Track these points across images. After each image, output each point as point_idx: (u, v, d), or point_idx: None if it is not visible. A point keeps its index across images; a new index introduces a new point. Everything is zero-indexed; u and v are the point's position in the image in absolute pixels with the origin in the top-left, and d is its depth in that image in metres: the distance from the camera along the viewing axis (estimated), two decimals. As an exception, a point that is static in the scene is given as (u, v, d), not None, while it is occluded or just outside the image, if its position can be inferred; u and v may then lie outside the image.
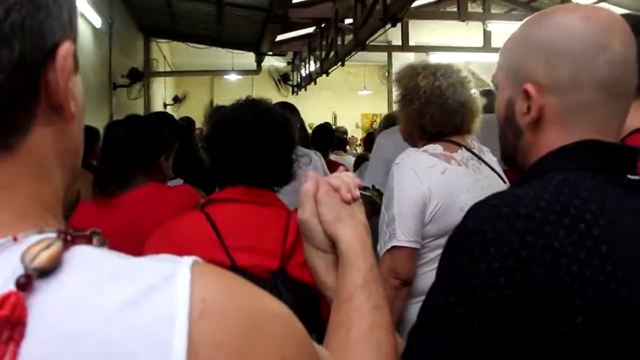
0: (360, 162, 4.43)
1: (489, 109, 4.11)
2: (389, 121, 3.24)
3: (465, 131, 1.82)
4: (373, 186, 2.45)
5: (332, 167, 3.99)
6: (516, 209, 0.73)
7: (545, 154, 0.83)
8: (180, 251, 1.39)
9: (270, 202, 1.47)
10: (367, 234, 0.82)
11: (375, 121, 17.71)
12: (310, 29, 9.13)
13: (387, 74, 13.81)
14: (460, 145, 1.78)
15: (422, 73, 1.79)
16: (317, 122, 18.47)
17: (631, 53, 0.82)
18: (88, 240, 0.52)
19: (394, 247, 1.66)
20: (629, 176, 0.82)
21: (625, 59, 0.81)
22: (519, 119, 0.86)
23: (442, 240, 1.75)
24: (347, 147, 9.53)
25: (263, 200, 1.46)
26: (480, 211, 0.77)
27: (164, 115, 3.10)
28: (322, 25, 8.25)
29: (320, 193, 0.83)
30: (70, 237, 0.49)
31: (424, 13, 8.08)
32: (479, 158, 1.80)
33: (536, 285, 0.70)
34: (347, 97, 16.15)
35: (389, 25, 5.15)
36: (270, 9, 6.88)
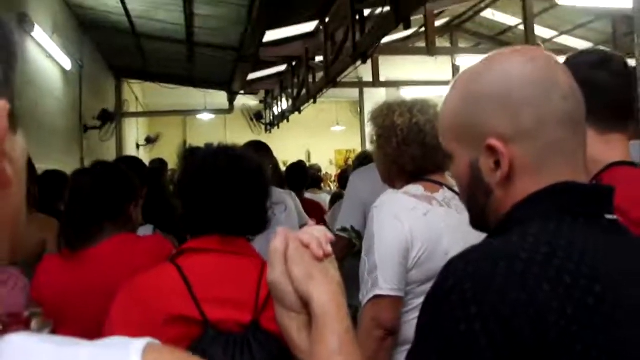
0: (335, 200, 4.38)
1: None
2: (362, 159, 3.20)
3: (445, 168, 1.77)
4: (352, 227, 2.39)
5: (307, 205, 3.93)
6: (496, 263, 0.71)
7: (521, 201, 0.80)
8: (148, 308, 1.31)
9: (243, 252, 1.43)
10: (342, 292, 0.77)
11: (349, 158, 17.79)
12: (282, 67, 9.18)
13: (359, 109, 13.95)
14: (441, 185, 1.73)
15: (397, 111, 1.75)
16: (290, 159, 18.54)
17: (574, 82, 0.83)
18: (26, 325, 0.44)
19: (376, 296, 1.58)
20: (607, 216, 0.80)
21: (574, 90, 0.82)
22: (488, 177, 0.83)
23: (428, 286, 1.68)
24: (322, 185, 9.54)
25: (236, 250, 1.41)
26: (460, 266, 0.74)
27: (131, 160, 3.02)
28: (294, 64, 8.30)
29: (290, 250, 0.77)
30: (4, 325, 0.41)
31: (393, 49, 8.19)
32: (461, 197, 1.75)
33: (520, 345, 0.67)
34: (320, 134, 16.20)
35: (359, 62, 5.19)
36: (241, 48, 6.89)
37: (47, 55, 5.40)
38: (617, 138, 1.32)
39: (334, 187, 11.91)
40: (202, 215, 1.42)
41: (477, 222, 0.92)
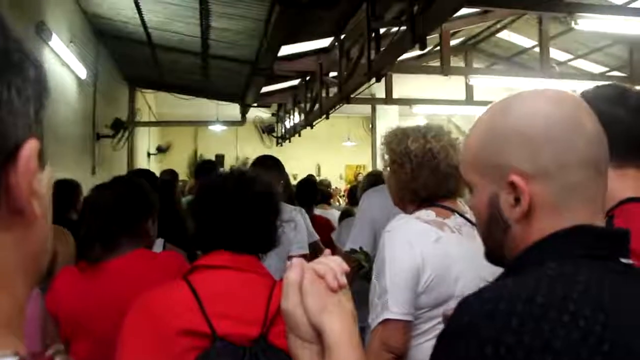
0: (344, 216, 4.37)
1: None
2: (372, 179, 3.20)
3: (457, 195, 1.77)
4: (361, 248, 2.39)
5: (317, 222, 3.93)
6: (513, 305, 0.71)
7: (538, 241, 0.81)
8: (159, 322, 1.32)
9: (254, 270, 1.46)
10: (355, 323, 0.78)
11: (359, 173, 17.81)
12: (296, 81, 9.22)
13: (371, 125, 13.96)
14: (452, 211, 1.72)
15: (411, 136, 1.75)
16: (301, 172, 18.56)
17: (599, 127, 0.84)
18: None
19: (386, 320, 1.57)
20: (622, 260, 0.80)
21: (598, 136, 0.82)
22: (507, 213, 0.83)
23: (437, 311, 1.67)
24: (331, 200, 9.54)
25: (247, 267, 1.45)
26: (476, 305, 0.75)
27: (143, 173, 3.03)
28: (307, 78, 8.33)
29: (305, 282, 0.78)
30: None
31: (407, 67, 8.19)
32: (472, 223, 1.74)
33: None
34: (331, 148, 16.23)
35: (373, 80, 5.20)
36: (256, 62, 6.93)
37: (63, 63, 5.46)
38: (632, 173, 1.32)
39: (343, 202, 11.89)
40: (213, 236, 1.46)
41: (492, 255, 0.92)
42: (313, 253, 3.04)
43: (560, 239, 0.79)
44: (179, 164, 16.35)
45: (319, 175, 17.79)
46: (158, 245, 2.53)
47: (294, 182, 15.79)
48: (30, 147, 0.44)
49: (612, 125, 1.30)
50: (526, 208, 0.80)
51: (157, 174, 13.46)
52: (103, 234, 1.72)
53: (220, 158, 16.88)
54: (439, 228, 1.66)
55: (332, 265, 0.80)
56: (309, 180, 4.29)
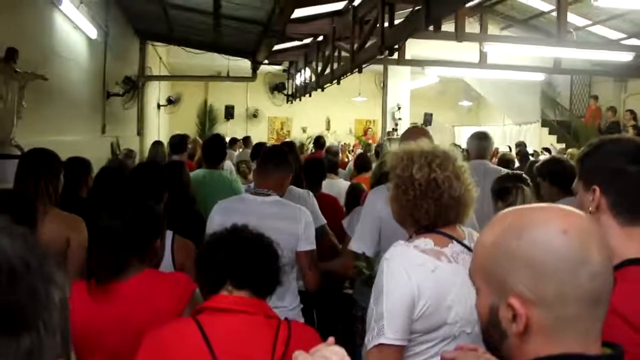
0: (352, 193, 4.41)
1: (480, 154, 4.11)
2: (378, 177, 3.26)
3: (458, 222, 1.81)
4: (364, 253, 2.45)
5: (324, 201, 3.99)
6: None
7: None
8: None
9: (261, 312, 1.53)
10: None
11: (369, 128, 17.73)
12: (308, 40, 9.09)
13: (382, 85, 13.81)
14: (451, 238, 1.76)
15: (417, 163, 1.77)
16: (310, 126, 18.35)
17: (608, 259, 0.85)
18: None
19: (381, 344, 1.65)
20: None
21: (605, 269, 0.84)
22: (505, 325, 0.87)
23: (429, 336, 1.75)
24: (341, 157, 9.55)
25: (253, 310, 1.52)
26: None
27: (150, 167, 3.04)
28: (320, 38, 8.22)
29: None
30: None
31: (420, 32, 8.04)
32: (470, 249, 1.79)
33: None
34: (341, 103, 16.10)
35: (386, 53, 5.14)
36: (268, 24, 6.84)
37: (73, 26, 5.43)
38: (639, 232, 1.32)
39: (351, 157, 11.88)
40: (219, 282, 1.55)
41: (489, 349, 0.96)
42: (321, 237, 3.11)
43: None
44: (189, 115, 16.35)
45: (328, 130, 17.78)
46: (167, 236, 2.60)
47: (304, 137, 15.56)
48: None
49: (628, 183, 1.32)
50: (522, 329, 0.85)
51: (167, 126, 13.38)
52: (113, 259, 1.78)
53: (230, 109, 16.87)
54: (437, 258, 1.70)
55: (335, 358, 0.86)
56: (317, 160, 4.31)
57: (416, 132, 2.72)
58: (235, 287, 1.53)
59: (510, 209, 0.96)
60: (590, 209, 1.35)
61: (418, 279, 1.66)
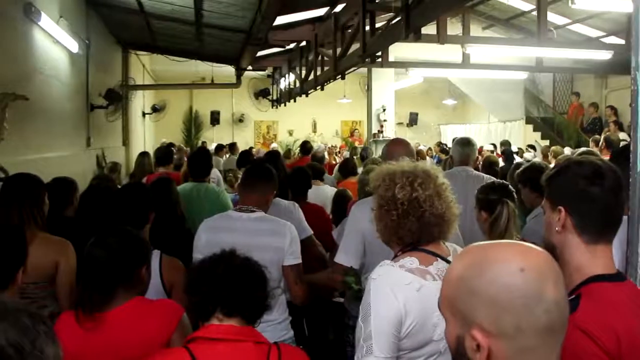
0: (339, 199, 4.44)
1: (463, 160, 4.15)
2: (364, 190, 3.31)
3: (441, 239, 1.84)
4: (352, 268, 2.48)
5: (310, 210, 4.00)
6: None
7: None
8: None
9: (250, 338, 1.57)
10: None
11: (355, 129, 17.77)
12: (291, 45, 9.11)
13: (367, 87, 13.85)
14: (436, 256, 1.79)
15: (399, 183, 1.80)
16: (296, 129, 18.33)
17: (562, 294, 0.92)
18: None
19: (370, 363, 1.67)
20: None
21: (558, 303, 0.91)
22: (470, 354, 0.93)
23: (416, 353, 1.78)
24: (328, 160, 9.57)
25: (244, 338, 1.56)
26: None
27: (136, 187, 3.03)
28: (303, 43, 8.24)
29: None
30: None
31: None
32: (454, 266, 1.81)
33: None
34: (327, 105, 16.14)
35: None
36: (250, 31, 6.85)
37: (54, 41, 5.40)
38: (602, 249, 1.40)
39: (339, 160, 11.88)
40: (208, 311, 1.59)
41: None
42: (307, 247, 3.13)
43: None
44: (175, 122, 16.31)
45: (314, 132, 17.81)
46: (154, 257, 2.60)
47: (291, 140, 15.51)
48: None
49: (590, 204, 1.38)
50: (485, 359, 0.91)
51: (153, 134, 13.24)
52: (100, 287, 1.79)
53: (216, 115, 16.85)
54: (422, 277, 1.73)
55: None
56: (301, 170, 4.32)
57: (397, 149, 2.76)
58: (225, 316, 1.56)
59: (476, 244, 1.02)
60: (556, 228, 1.42)
61: (404, 299, 1.69)
